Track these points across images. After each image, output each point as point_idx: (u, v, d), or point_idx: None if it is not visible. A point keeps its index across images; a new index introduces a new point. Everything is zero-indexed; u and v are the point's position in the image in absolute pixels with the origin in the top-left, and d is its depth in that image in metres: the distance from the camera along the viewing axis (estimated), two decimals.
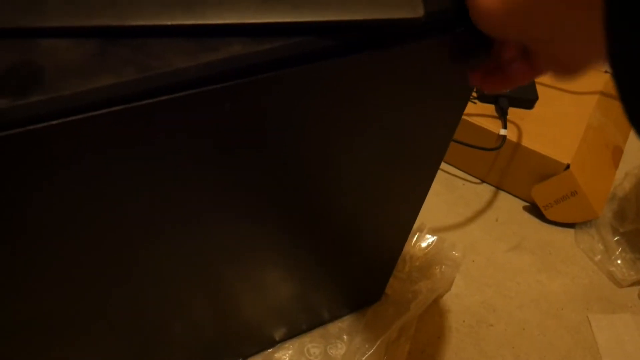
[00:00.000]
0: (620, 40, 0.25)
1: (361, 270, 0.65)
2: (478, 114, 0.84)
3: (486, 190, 0.89)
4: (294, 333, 0.67)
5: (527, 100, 0.86)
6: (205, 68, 0.36)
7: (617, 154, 0.90)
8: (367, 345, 0.66)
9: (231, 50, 0.36)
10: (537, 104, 0.86)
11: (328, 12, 0.38)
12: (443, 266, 0.74)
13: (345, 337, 0.67)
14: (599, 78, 0.92)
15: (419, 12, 0.38)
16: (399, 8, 0.38)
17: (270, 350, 0.65)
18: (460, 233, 0.83)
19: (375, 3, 0.38)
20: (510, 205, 0.87)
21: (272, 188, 0.46)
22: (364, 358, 0.65)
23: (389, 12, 0.38)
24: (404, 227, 0.62)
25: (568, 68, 0.36)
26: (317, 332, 0.68)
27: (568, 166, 0.79)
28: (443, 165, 0.90)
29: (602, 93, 0.91)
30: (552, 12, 0.32)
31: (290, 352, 0.65)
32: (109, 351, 0.53)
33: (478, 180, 0.90)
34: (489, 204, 0.87)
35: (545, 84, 0.90)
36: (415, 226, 0.78)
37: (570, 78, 0.37)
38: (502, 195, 0.88)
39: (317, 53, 0.39)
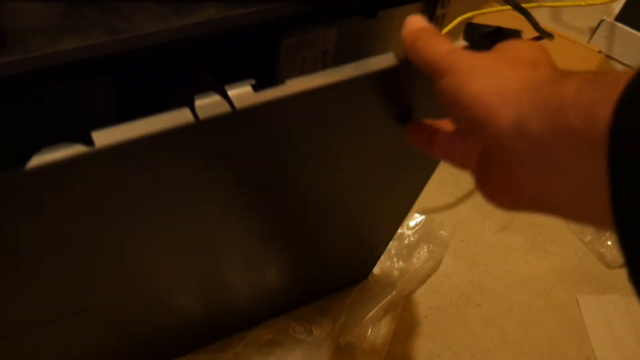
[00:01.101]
0: (630, 196, 0.22)
1: (352, 252, 0.64)
2: None
3: None
4: (278, 311, 0.66)
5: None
6: (176, 32, 0.35)
7: None
8: (352, 323, 0.65)
9: (205, 14, 0.35)
10: None
11: None
12: (431, 245, 0.74)
13: (330, 315, 0.66)
14: (593, 58, 0.91)
15: None
16: None
17: (255, 328, 0.64)
18: (449, 212, 0.82)
19: None
20: None
21: (269, 185, 0.44)
22: (349, 336, 0.64)
23: None
24: (399, 216, 0.61)
25: (502, 198, 0.33)
26: (302, 310, 0.67)
27: None
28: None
29: (597, 72, 0.90)
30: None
31: (274, 330, 0.65)
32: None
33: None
34: None
35: None
36: None
37: (491, 200, 0.33)
38: None
39: (293, 19, 0.38)
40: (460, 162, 0.37)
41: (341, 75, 0.35)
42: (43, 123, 0.36)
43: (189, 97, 0.44)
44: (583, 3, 0.84)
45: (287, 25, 0.39)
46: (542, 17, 1.04)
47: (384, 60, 0.37)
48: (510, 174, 0.30)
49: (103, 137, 0.29)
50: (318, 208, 0.50)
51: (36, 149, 0.34)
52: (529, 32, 0.83)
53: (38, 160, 0.28)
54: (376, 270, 0.71)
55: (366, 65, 0.36)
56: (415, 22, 0.35)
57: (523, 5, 0.89)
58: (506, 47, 0.33)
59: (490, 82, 0.29)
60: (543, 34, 0.70)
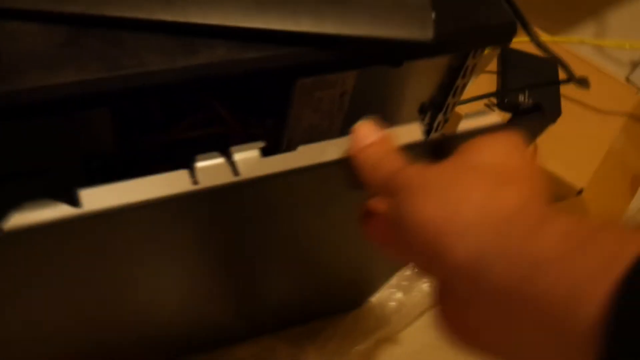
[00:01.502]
0: None
1: (347, 280, 0.62)
2: None
3: None
4: (265, 329, 0.64)
5: (550, 113, 0.81)
6: (182, 72, 0.32)
7: (635, 183, 0.86)
8: (341, 352, 0.64)
9: (214, 55, 0.33)
10: (559, 120, 0.82)
11: (329, 23, 0.34)
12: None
13: (319, 341, 0.65)
14: (629, 99, 0.87)
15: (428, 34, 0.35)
16: (403, 28, 0.34)
17: (239, 346, 0.63)
18: None
19: (377, 19, 0.34)
20: None
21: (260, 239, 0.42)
22: None
23: (392, 31, 0.34)
24: None
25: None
26: (290, 332, 0.65)
27: (581, 191, 0.75)
28: None
29: (631, 116, 0.86)
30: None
31: (259, 349, 0.63)
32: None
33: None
34: None
35: (571, 98, 0.85)
36: None
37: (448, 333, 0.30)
38: None
39: (311, 66, 0.36)
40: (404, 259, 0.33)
41: None
42: (33, 151, 0.34)
43: (194, 123, 0.42)
44: (627, 45, 0.80)
45: (304, 72, 0.36)
46: (584, 46, 1.00)
47: (412, 133, 0.35)
48: (462, 309, 0.26)
49: (91, 199, 0.28)
50: (310, 250, 0.48)
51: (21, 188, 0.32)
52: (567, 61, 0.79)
53: (18, 220, 0.26)
54: (373, 299, 0.69)
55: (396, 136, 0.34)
56: (361, 139, 0.31)
57: (564, 38, 0.86)
58: (473, 150, 0.28)
59: (440, 207, 0.25)
60: (576, 82, 0.67)
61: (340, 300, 0.67)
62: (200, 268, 0.44)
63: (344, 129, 0.44)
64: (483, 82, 0.85)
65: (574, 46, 0.91)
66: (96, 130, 0.35)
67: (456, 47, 0.38)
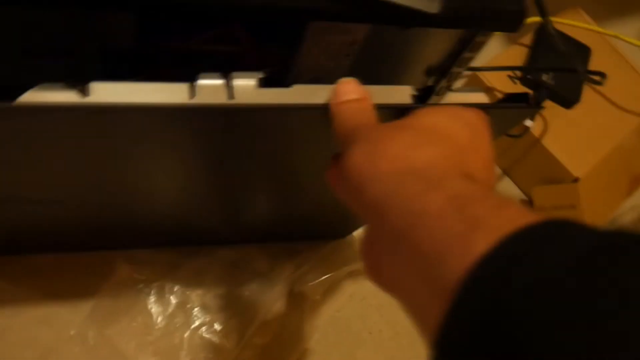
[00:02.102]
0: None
1: (334, 211, 0.66)
2: None
3: None
4: (249, 239, 0.69)
5: (567, 99, 0.82)
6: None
7: (634, 183, 0.88)
8: (311, 275, 0.68)
9: None
10: (576, 107, 0.83)
11: None
12: None
13: (296, 260, 0.69)
14: None
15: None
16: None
17: (222, 247, 0.68)
18: None
19: None
20: (508, 193, 0.86)
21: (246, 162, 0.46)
22: (304, 286, 0.68)
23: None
24: None
25: None
26: (271, 246, 0.70)
27: (577, 179, 0.77)
28: None
29: None
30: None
31: (240, 255, 0.68)
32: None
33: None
34: None
35: (596, 89, 0.86)
36: None
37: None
38: (506, 181, 0.87)
39: (328, 13, 0.38)
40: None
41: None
42: (63, 36, 0.38)
43: (211, 37, 0.45)
44: None
45: (319, 16, 0.39)
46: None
47: (400, 95, 0.37)
48: (376, 250, 0.29)
49: (99, 92, 0.31)
50: (298, 178, 0.52)
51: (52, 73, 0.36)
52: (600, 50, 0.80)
53: (29, 97, 0.30)
54: (355, 233, 0.73)
55: (383, 95, 0.37)
56: (343, 93, 0.34)
57: (602, 29, 0.86)
58: (416, 114, 0.31)
59: (369, 154, 0.28)
60: (591, 74, 0.68)
61: (324, 229, 0.71)
62: (192, 172, 0.48)
63: (351, 74, 0.47)
64: (515, 53, 0.86)
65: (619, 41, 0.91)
66: (120, 28, 0.38)
67: (460, 24, 0.40)
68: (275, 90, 0.36)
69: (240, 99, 0.35)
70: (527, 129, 0.79)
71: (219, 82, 0.35)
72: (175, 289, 0.63)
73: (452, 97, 0.39)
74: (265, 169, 0.48)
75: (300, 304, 0.68)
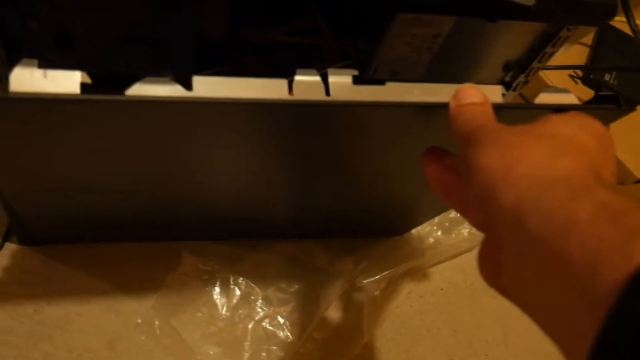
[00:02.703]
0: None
1: (396, 210, 0.66)
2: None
3: None
4: (310, 234, 0.69)
5: (630, 99, 0.81)
6: None
7: None
8: (371, 271, 0.68)
9: None
10: (638, 108, 0.82)
11: None
12: (474, 228, 0.75)
13: (355, 256, 0.69)
14: None
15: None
16: None
17: (284, 242, 0.68)
18: None
19: None
20: None
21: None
22: (365, 282, 0.68)
23: None
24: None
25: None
26: (331, 242, 0.70)
27: (639, 181, 0.76)
28: None
29: None
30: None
31: (301, 250, 0.68)
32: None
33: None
34: None
35: None
36: None
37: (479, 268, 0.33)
38: None
39: (410, 3, 0.38)
40: (458, 210, 0.37)
41: (441, 96, 0.35)
42: (157, 21, 0.39)
43: (294, 30, 0.46)
44: None
45: (406, 7, 0.39)
46: None
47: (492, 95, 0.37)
48: (498, 252, 0.29)
49: (201, 86, 0.32)
50: (370, 174, 0.52)
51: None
52: None
53: (137, 90, 0.31)
54: (414, 231, 0.73)
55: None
56: (465, 97, 0.34)
57: None
58: (548, 121, 0.31)
59: (503, 157, 0.28)
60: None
61: (383, 226, 0.71)
62: (270, 164, 0.48)
63: (429, 68, 0.47)
64: (575, 53, 0.85)
65: None
66: (213, 16, 0.39)
67: (552, 17, 0.40)
68: (371, 87, 0.36)
69: (337, 95, 0.35)
70: None
71: (315, 78, 0.35)
72: (240, 280, 0.63)
73: (544, 98, 0.39)
74: (344, 164, 0.49)
75: (359, 300, 0.68)
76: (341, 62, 0.47)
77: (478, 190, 0.29)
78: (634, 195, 0.75)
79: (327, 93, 0.35)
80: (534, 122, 0.31)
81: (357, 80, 0.36)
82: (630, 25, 0.53)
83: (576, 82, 0.83)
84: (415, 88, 0.37)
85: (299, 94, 0.35)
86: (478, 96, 0.34)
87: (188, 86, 0.32)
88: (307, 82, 0.35)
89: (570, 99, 0.40)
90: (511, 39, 0.45)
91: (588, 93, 0.82)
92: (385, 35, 0.43)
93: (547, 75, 0.81)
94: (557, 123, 0.31)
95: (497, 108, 0.36)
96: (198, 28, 0.40)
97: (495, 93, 0.39)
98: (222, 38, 0.43)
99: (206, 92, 0.33)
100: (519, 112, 0.38)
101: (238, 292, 0.63)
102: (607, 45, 0.83)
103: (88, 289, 0.60)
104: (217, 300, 0.62)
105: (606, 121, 0.48)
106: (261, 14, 0.46)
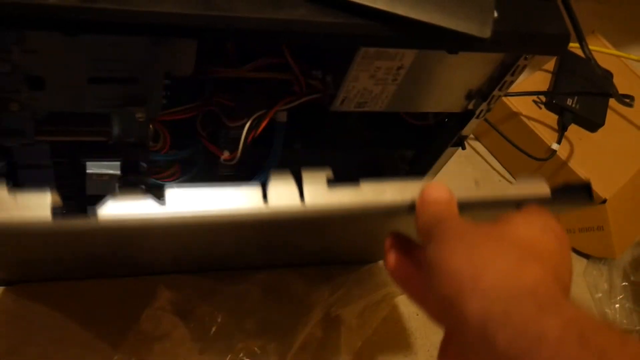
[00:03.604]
0: None
1: (368, 246, 0.68)
2: (538, 119, 0.83)
3: None
4: (285, 263, 0.70)
5: (592, 122, 0.84)
6: (265, 23, 0.37)
7: None
8: (347, 299, 0.69)
9: (296, 13, 0.37)
10: (600, 130, 0.85)
11: (401, 6, 0.38)
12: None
13: (331, 284, 0.70)
14: None
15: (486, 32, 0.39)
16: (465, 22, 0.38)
17: (259, 272, 0.68)
18: None
19: (444, 11, 0.38)
20: None
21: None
22: (340, 310, 0.68)
23: (455, 23, 0.38)
24: None
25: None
26: (307, 270, 0.71)
27: (605, 201, 0.78)
28: (487, 156, 0.90)
29: None
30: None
31: (276, 279, 0.69)
32: None
33: (514, 181, 0.89)
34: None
35: (618, 112, 0.87)
36: None
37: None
38: None
39: (377, 39, 0.40)
40: (417, 302, 0.37)
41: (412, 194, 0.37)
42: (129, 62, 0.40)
43: (262, 66, 0.47)
44: None
45: (369, 42, 0.41)
46: None
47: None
48: (460, 354, 0.29)
49: (175, 200, 0.34)
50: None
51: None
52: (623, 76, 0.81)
53: (110, 209, 0.32)
54: None
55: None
56: (430, 194, 0.35)
57: (624, 54, 0.87)
58: (511, 222, 0.31)
59: (469, 262, 0.27)
60: (619, 98, 0.69)
61: (359, 254, 0.72)
62: (239, 243, 0.50)
63: (394, 98, 0.48)
64: (538, 79, 0.87)
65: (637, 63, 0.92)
66: (182, 55, 0.40)
67: (509, 48, 0.42)
68: (344, 190, 0.38)
69: (312, 200, 0.37)
70: (553, 152, 0.80)
71: (290, 183, 0.37)
72: (216, 313, 0.63)
73: (515, 189, 0.41)
74: (315, 243, 0.51)
75: (336, 327, 0.68)
76: (309, 96, 0.48)
77: (442, 294, 0.28)
78: (599, 216, 0.77)
79: (302, 198, 0.36)
80: (498, 223, 0.31)
81: (330, 182, 0.38)
82: (584, 52, 0.56)
83: (540, 108, 0.85)
84: (387, 188, 0.38)
85: (273, 201, 0.36)
86: (442, 193, 0.35)
87: (161, 199, 0.33)
88: (281, 189, 0.36)
89: (541, 188, 0.41)
90: (471, 69, 0.47)
91: (552, 117, 0.84)
92: (350, 69, 0.44)
93: (512, 102, 0.84)
94: (520, 225, 0.31)
95: (465, 205, 0.37)
96: (168, 66, 0.41)
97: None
98: (192, 75, 0.44)
99: (180, 207, 0.34)
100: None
101: (214, 326, 0.63)
102: (568, 70, 0.85)
103: (64, 326, 0.60)
104: (194, 334, 0.62)
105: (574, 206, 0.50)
106: (231, 51, 0.47)
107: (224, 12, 0.35)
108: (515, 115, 0.83)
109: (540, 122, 0.83)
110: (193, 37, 0.38)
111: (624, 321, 0.80)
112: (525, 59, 0.46)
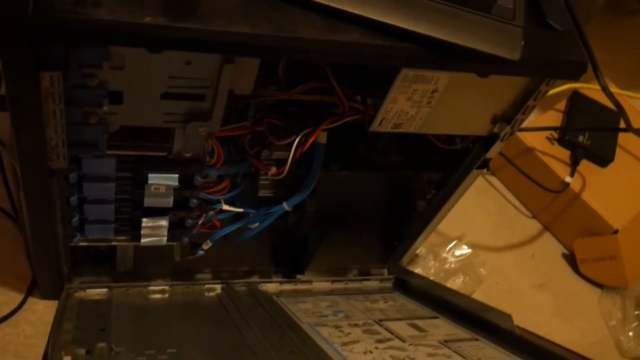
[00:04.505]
0: None
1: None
2: (552, 154, 0.88)
3: (534, 226, 0.93)
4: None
5: (602, 158, 0.89)
6: (323, 44, 0.42)
7: None
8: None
9: (351, 36, 0.42)
10: (610, 165, 0.90)
11: (441, 31, 0.43)
12: (467, 277, 0.80)
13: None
14: None
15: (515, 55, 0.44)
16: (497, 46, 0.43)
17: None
18: (494, 255, 0.88)
19: (479, 36, 0.43)
20: (550, 247, 0.91)
21: None
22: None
23: (488, 46, 0.43)
24: None
25: None
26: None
27: (617, 231, 0.82)
28: (503, 190, 0.95)
29: None
30: None
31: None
32: None
33: (530, 215, 0.94)
34: (532, 239, 0.92)
35: (626, 149, 0.92)
36: (455, 234, 0.83)
37: None
38: (547, 235, 0.92)
39: (418, 60, 0.45)
40: None
41: None
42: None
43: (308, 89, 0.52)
44: None
45: (409, 64, 0.46)
46: None
47: None
48: None
49: None
50: None
51: None
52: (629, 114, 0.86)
53: None
54: None
55: None
56: None
57: (629, 93, 0.93)
58: None
59: None
60: (634, 131, 0.74)
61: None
62: None
63: (426, 121, 0.53)
64: (550, 118, 0.93)
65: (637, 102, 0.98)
66: (245, 74, 0.45)
67: (535, 72, 0.47)
68: None
69: None
70: (567, 185, 0.85)
71: None
72: None
73: None
74: None
75: None
76: (350, 117, 0.53)
77: None
78: (611, 246, 0.81)
79: None
80: None
81: None
82: (599, 81, 0.61)
83: (553, 144, 0.90)
84: None
85: None
86: None
87: None
88: None
89: None
90: (498, 93, 0.52)
91: (564, 153, 0.89)
92: (390, 91, 0.49)
93: (527, 138, 0.89)
94: None
95: None
96: (232, 84, 0.46)
97: None
98: (249, 96, 0.49)
99: None
100: None
101: None
102: (579, 109, 0.91)
103: None
104: None
105: None
106: (281, 76, 0.52)
107: (289, 33, 0.41)
108: (530, 150, 0.88)
109: (554, 156, 0.88)
110: (261, 56, 0.43)
111: (638, 348, 0.83)
112: (547, 84, 0.51)
